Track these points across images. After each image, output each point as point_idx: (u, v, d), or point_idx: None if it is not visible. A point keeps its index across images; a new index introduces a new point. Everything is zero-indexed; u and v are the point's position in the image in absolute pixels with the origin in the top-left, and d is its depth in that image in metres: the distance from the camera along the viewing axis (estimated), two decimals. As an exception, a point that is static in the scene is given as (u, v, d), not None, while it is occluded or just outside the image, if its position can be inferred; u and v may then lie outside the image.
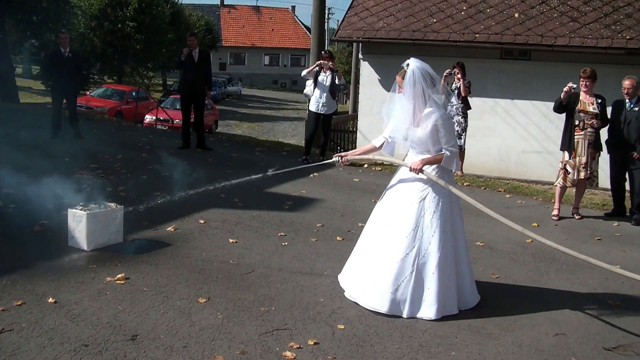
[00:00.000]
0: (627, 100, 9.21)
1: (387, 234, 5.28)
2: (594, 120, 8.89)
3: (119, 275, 5.51)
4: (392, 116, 5.42)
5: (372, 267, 5.29)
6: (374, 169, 12.06)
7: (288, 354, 4.37)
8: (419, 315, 5.18)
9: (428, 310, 5.17)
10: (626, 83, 9.15)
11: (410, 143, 5.37)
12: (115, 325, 4.61)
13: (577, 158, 8.99)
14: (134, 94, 27.82)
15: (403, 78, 5.20)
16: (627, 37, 13.94)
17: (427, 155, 5.29)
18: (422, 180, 5.28)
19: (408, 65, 5.20)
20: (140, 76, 42.19)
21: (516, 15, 15.17)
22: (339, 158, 5.74)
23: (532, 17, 15.01)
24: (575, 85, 9.03)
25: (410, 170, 5.27)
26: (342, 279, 5.68)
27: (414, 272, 5.15)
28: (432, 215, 5.21)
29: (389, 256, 5.20)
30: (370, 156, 5.96)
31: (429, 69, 5.22)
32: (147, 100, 28.55)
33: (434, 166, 5.30)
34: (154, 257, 6.14)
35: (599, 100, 8.98)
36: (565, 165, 9.13)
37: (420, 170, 5.23)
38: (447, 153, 5.25)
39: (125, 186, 8.67)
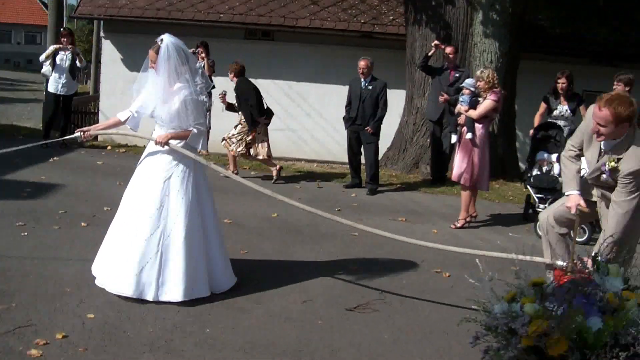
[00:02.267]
0: (362, 80, 9.91)
1: (132, 215, 5.17)
2: None
3: None
4: (142, 92, 5.32)
5: (119, 250, 5.15)
6: (117, 150, 11.74)
7: (34, 352, 4.10)
8: (166, 297, 5.08)
9: (174, 291, 5.08)
10: (361, 64, 9.88)
11: (159, 120, 5.29)
12: None
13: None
14: None
15: (157, 53, 5.14)
16: (362, 21, 14.89)
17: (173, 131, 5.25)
18: (168, 160, 5.21)
19: (162, 40, 5.14)
20: None
21: (259, -4, 15.52)
22: (81, 133, 5.51)
23: (274, -2, 15.44)
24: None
25: (156, 143, 5.18)
26: (95, 268, 5.42)
27: (159, 253, 5.07)
28: (177, 195, 5.15)
29: (134, 237, 5.08)
30: (114, 130, 5.80)
31: (183, 45, 5.21)
32: None
33: (181, 142, 5.26)
34: None
35: None
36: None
37: (167, 144, 5.17)
38: (195, 130, 5.25)
39: None
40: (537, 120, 9.33)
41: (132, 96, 5.42)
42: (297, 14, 14.95)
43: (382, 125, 10.05)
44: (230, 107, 10.44)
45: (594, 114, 4.80)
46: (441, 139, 10.96)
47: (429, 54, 10.61)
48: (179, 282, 5.09)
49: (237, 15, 14.85)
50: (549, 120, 9.10)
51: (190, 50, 11.17)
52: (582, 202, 5.07)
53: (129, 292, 5.04)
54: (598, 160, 4.98)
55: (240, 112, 10.37)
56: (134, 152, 11.02)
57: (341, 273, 6.14)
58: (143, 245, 5.06)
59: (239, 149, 10.24)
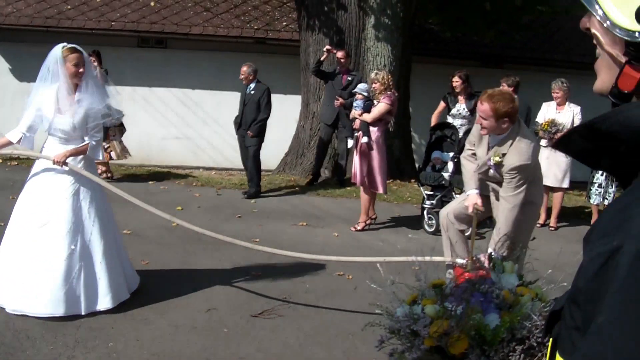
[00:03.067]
0: (247, 85, 10.10)
1: (43, 234, 4.99)
2: None
3: None
4: (33, 105, 5.17)
5: (34, 273, 4.93)
6: (9, 163, 11.29)
7: None
8: (97, 307, 5.07)
9: (104, 300, 5.10)
10: (242, 69, 10.04)
11: (57, 132, 5.16)
12: None
13: None
14: None
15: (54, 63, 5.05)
16: (255, 27, 14.93)
17: (72, 146, 5.14)
18: (70, 173, 5.11)
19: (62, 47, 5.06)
20: None
21: (152, 4, 15.28)
22: None
23: (167, 6, 15.24)
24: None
25: (54, 163, 5.04)
26: None
27: (81, 266, 5.01)
28: (89, 206, 5.12)
29: (53, 258, 4.93)
30: (6, 151, 5.63)
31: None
32: None
33: (79, 157, 5.18)
34: None
35: None
36: None
37: (65, 163, 5.05)
38: (93, 142, 5.18)
39: None
40: (434, 119, 9.67)
41: (24, 108, 5.26)
42: (190, 21, 14.84)
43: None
44: None
45: (477, 108, 5.09)
46: (333, 142, 11.22)
47: (321, 58, 10.80)
48: (106, 290, 5.11)
49: (129, 23, 14.58)
50: (449, 118, 9.43)
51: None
52: (479, 201, 5.30)
53: (59, 311, 4.92)
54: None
55: None
56: (27, 165, 10.61)
57: (244, 279, 6.16)
58: (64, 263, 4.96)
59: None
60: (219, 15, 15.02)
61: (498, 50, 14.22)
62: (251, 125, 9.97)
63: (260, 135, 10.09)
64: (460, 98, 9.47)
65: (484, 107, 4.99)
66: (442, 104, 9.75)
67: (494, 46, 14.00)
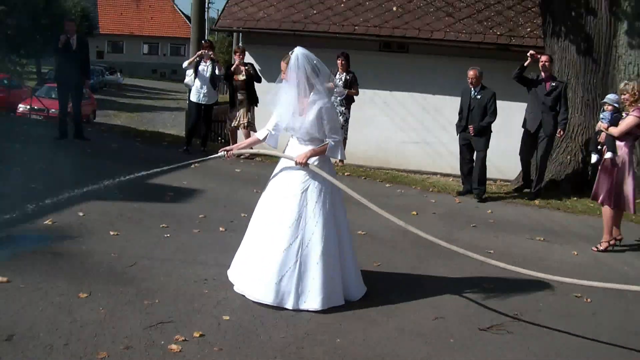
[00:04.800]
0: (472, 89, 10.07)
1: (270, 225, 5.27)
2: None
3: (-8, 272, 5.25)
4: (276, 105, 5.43)
5: (258, 258, 5.27)
6: (255, 159, 12.05)
7: (173, 347, 4.32)
8: (304, 306, 5.17)
9: (313, 300, 5.17)
10: (470, 73, 10.04)
11: (292, 132, 5.39)
12: (-11, 325, 4.40)
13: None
14: (5, 81, 26.55)
15: (288, 63, 5.24)
16: (498, 33, 14.60)
17: (311, 146, 5.32)
18: (304, 172, 5.29)
19: (293, 51, 5.25)
20: (12, 63, 40.10)
21: (394, 8, 15.54)
22: (225, 152, 5.71)
23: (410, 11, 15.42)
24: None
25: (296, 164, 5.26)
26: (231, 274, 5.60)
27: (297, 262, 5.15)
28: (315, 206, 5.22)
29: (273, 247, 5.19)
30: (254, 149, 6.01)
31: (314, 57, 5.27)
32: (20, 89, 27.29)
33: (319, 157, 5.35)
34: (30, 252, 5.89)
35: None
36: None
37: (305, 164, 5.25)
38: (331, 142, 5.29)
39: (-2, 178, 8.25)
40: None
41: (267, 106, 5.55)
42: (432, 26, 14.86)
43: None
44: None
45: None
46: (533, 150, 10.79)
47: (525, 64, 10.45)
48: (318, 291, 5.17)
49: (372, 28, 14.95)
50: None
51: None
52: None
53: (269, 300, 5.16)
54: None
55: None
56: (270, 162, 11.26)
57: (475, 291, 6.00)
58: (282, 255, 5.15)
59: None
60: (461, 21, 14.89)
61: None
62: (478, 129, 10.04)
63: (486, 136, 10.12)
64: None
65: None
66: None
67: None
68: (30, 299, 4.86)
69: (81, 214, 7.19)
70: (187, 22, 60.61)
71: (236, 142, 12.62)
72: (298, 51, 5.24)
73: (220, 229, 7.23)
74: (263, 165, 11.31)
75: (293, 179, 5.32)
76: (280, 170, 5.47)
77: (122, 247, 6.28)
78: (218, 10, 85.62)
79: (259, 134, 5.61)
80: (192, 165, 10.34)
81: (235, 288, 5.43)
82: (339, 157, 5.54)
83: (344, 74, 11.92)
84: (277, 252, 5.17)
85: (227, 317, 4.90)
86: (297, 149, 5.36)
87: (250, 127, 11.81)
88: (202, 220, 7.54)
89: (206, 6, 50.68)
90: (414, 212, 8.91)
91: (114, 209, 7.53)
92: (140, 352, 4.23)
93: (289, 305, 5.17)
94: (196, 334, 4.54)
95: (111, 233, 6.65)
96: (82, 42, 12.23)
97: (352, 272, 5.53)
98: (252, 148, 6.01)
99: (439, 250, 7.06)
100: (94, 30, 57.87)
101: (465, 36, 14.59)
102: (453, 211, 9.42)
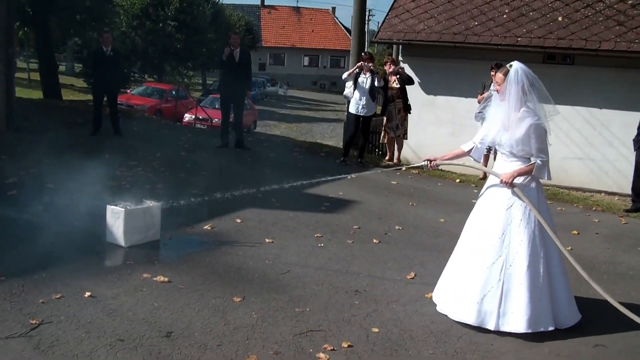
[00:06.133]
0: None
1: (475, 242, 5.17)
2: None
3: (156, 273, 5.54)
4: (486, 118, 5.36)
5: (461, 277, 5.17)
6: (412, 172, 11.96)
7: (322, 355, 4.35)
8: (507, 328, 4.97)
9: (518, 323, 4.95)
10: None
11: (498, 147, 5.27)
12: (151, 322, 4.64)
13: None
14: (174, 92, 28.11)
15: (505, 75, 5.14)
16: (676, 42, 13.63)
17: (518, 163, 5.15)
18: (510, 189, 5.14)
19: (512, 65, 5.15)
20: (181, 75, 42.59)
21: (560, 18, 14.92)
22: (428, 162, 5.59)
23: (576, 20, 14.75)
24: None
25: (501, 182, 5.13)
26: (436, 294, 5.49)
27: (501, 282, 4.99)
28: (520, 224, 5.05)
29: (476, 265, 5.08)
30: (459, 162, 5.78)
31: (532, 74, 5.15)
32: (186, 99, 28.83)
33: (526, 177, 5.17)
34: (190, 255, 6.18)
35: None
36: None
37: (511, 185, 5.09)
38: (539, 162, 5.10)
39: (164, 184, 8.72)
40: None
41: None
42: (600, 36, 14.10)
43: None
44: None
45: None
46: None
47: None
48: (522, 312, 4.95)
49: (536, 39, 14.41)
50: None
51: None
52: None
53: (470, 319, 5.04)
54: None
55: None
56: (427, 175, 11.15)
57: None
58: (485, 273, 5.03)
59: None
60: (634, 30, 14.01)
61: None
62: None
63: None
64: None
65: None
66: None
67: None
68: (188, 300, 5.09)
69: (239, 220, 7.44)
70: (347, 34, 61.74)
71: (393, 152, 12.76)
72: (517, 65, 5.14)
73: (374, 240, 7.23)
74: (419, 178, 11.21)
75: (498, 196, 5.19)
76: (488, 187, 5.36)
77: (277, 254, 6.43)
78: (378, 22, 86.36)
79: (465, 146, 5.51)
80: (349, 176, 10.45)
81: (437, 308, 5.34)
82: (546, 178, 5.26)
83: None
84: (480, 269, 5.06)
85: (377, 330, 4.87)
86: (503, 167, 5.23)
87: (405, 136, 12.06)
88: (357, 231, 7.57)
89: (366, 18, 51.37)
90: (575, 232, 8.46)
91: (270, 216, 7.73)
92: (289, 358, 4.30)
93: (491, 325, 5.01)
94: (345, 345, 4.55)
95: (266, 240, 6.83)
96: (244, 54, 12.72)
97: (563, 295, 5.23)
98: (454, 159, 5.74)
99: (602, 273, 6.74)
100: (256, 43, 60.26)
101: (638, 46, 13.73)
102: (618, 232, 8.86)
